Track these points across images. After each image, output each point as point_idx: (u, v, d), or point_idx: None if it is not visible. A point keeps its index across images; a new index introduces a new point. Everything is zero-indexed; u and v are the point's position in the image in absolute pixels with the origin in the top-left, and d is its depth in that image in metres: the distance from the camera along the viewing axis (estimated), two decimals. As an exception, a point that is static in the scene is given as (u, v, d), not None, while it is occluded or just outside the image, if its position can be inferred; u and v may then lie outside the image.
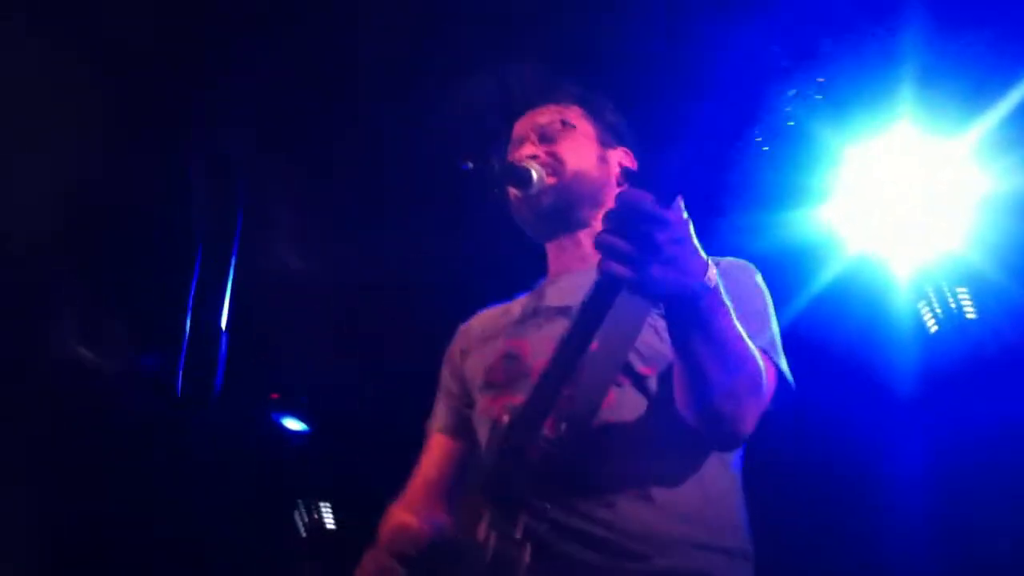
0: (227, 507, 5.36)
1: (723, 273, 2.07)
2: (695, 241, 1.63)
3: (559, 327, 2.08)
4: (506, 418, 1.94)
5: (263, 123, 3.98)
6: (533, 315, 2.24)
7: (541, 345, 2.09)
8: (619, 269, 1.55)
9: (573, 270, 2.31)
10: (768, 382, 1.93)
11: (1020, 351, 4.21)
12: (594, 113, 2.45)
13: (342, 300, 4.80)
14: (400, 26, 3.62)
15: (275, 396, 5.53)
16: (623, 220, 1.55)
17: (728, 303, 1.77)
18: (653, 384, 2.01)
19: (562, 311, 2.16)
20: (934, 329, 4.44)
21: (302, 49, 3.74)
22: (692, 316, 1.69)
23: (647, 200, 1.55)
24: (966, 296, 4.36)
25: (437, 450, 2.37)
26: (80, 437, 4.71)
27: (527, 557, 1.81)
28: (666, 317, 1.75)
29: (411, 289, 4.70)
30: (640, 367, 2.01)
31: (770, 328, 2.07)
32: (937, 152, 3.97)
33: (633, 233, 1.55)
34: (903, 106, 3.82)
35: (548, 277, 2.40)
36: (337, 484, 6.01)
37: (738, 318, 1.89)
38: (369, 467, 5.60)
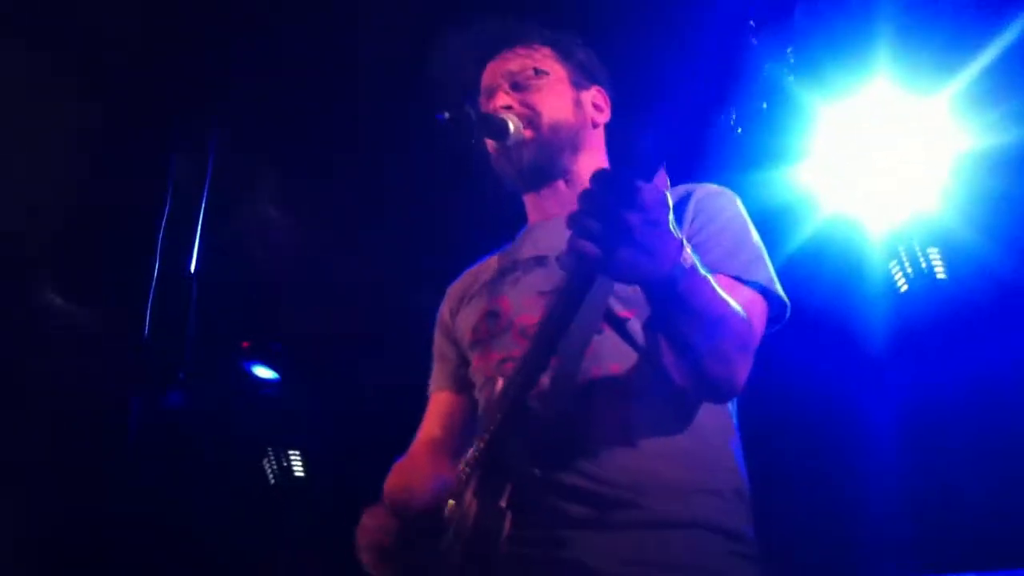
0: (195, 455, 5.35)
1: (702, 203, 2.09)
2: (671, 222, 1.60)
3: (536, 278, 2.11)
4: (499, 385, 1.93)
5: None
6: (511, 269, 2.23)
7: (520, 299, 2.11)
8: (587, 247, 1.53)
9: (550, 217, 2.29)
10: (758, 320, 1.93)
11: (990, 310, 4.24)
12: (564, 53, 2.39)
13: (315, 248, 4.78)
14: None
15: (246, 344, 5.51)
16: (596, 200, 1.53)
17: (706, 274, 1.75)
18: (635, 327, 1.99)
19: (538, 261, 2.16)
20: (904, 288, 4.46)
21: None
22: (670, 298, 1.68)
23: (623, 180, 1.53)
24: (937, 256, 4.38)
25: (439, 407, 2.36)
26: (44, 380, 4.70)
27: (507, 527, 1.79)
28: (646, 298, 1.73)
29: (387, 239, 4.68)
30: (620, 311, 2.00)
31: (756, 255, 2.05)
32: (913, 110, 3.96)
33: (605, 214, 1.52)
34: (879, 64, 3.81)
35: (527, 226, 2.39)
36: (307, 433, 6.01)
37: (721, 253, 1.91)
38: (339, 417, 5.62)
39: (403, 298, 2.51)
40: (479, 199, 2.48)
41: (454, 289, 2.42)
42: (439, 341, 2.40)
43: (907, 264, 4.44)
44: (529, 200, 2.38)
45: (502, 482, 1.82)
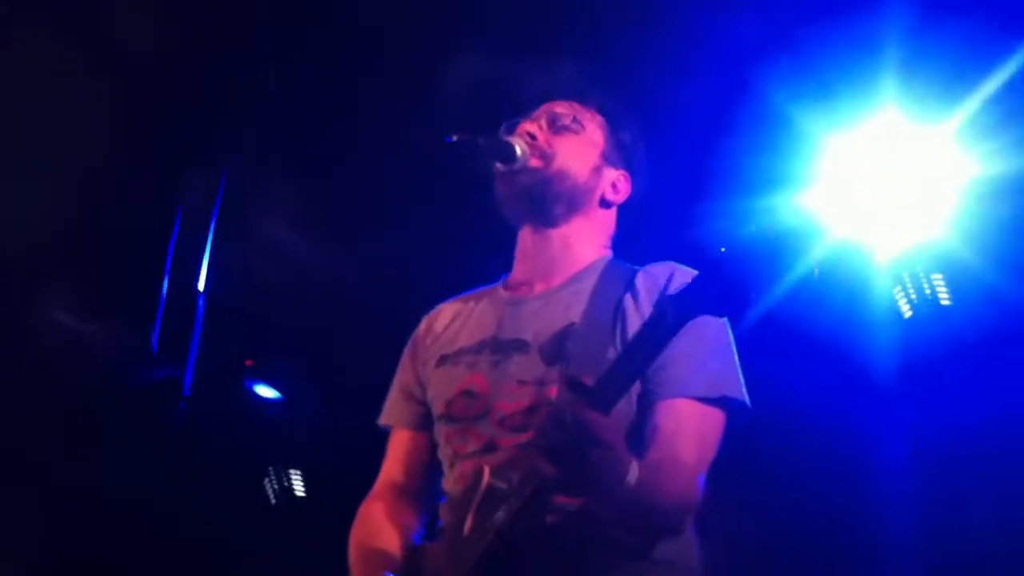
0: (196, 472, 5.34)
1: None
2: (621, 446, 1.78)
3: (515, 366, 2.13)
4: (484, 482, 1.94)
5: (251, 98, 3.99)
6: (491, 346, 2.22)
7: (499, 384, 2.13)
8: (548, 469, 1.71)
9: (535, 289, 2.30)
10: (711, 440, 2.05)
11: (996, 337, 4.24)
12: (612, 127, 2.42)
13: (322, 268, 4.80)
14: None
15: (249, 363, 5.51)
16: (559, 435, 1.70)
17: (653, 483, 1.85)
18: None
19: (518, 346, 2.17)
20: (908, 314, 4.46)
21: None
22: (607, 507, 1.85)
23: (587, 416, 1.69)
24: (941, 282, 4.39)
25: (402, 448, 2.37)
26: (49, 395, 4.69)
27: None
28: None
29: (395, 261, 4.70)
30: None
31: (723, 364, 2.12)
32: (919, 139, 3.97)
33: (568, 449, 1.70)
34: (886, 93, 3.83)
35: (510, 278, 2.39)
36: (308, 452, 6.01)
37: (691, 358, 2.02)
38: (340, 437, 5.61)
39: (409, 319, 2.51)
40: (485, 223, 2.50)
41: (430, 328, 2.42)
42: (407, 374, 2.41)
43: (911, 290, 4.45)
44: (520, 240, 2.39)
45: None
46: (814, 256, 4.03)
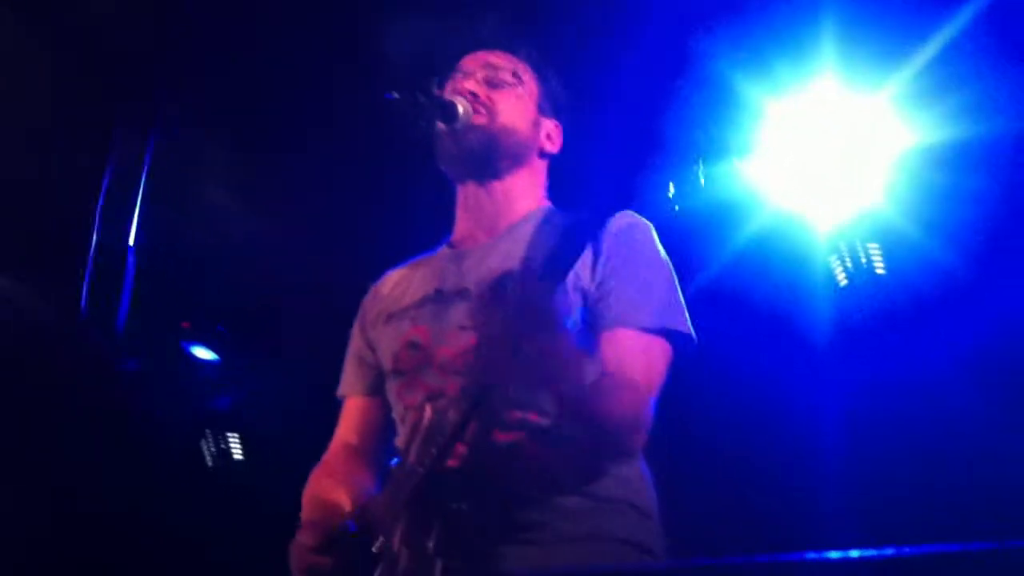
0: (133, 436, 5.28)
1: (613, 246, 2.16)
2: (569, 338, 1.82)
3: (458, 312, 2.15)
4: (427, 417, 1.93)
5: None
6: (434, 299, 2.24)
7: (441, 332, 2.16)
8: (496, 361, 1.75)
9: (478, 241, 2.32)
10: (658, 369, 2.09)
11: (929, 304, 4.31)
12: (543, 78, 2.45)
13: (257, 227, 4.74)
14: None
15: (186, 324, 5.44)
16: (504, 320, 1.71)
17: (605, 396, 1.93)
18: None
19: (460, 294, 2.19)
20: (844, 283, 4.52)
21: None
22: (560, 414, 1.89)
23: (531, 290, 1.73)
24: (877, 252, 4.45)
25: (354, 413, 2.38)
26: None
27: (438, 573, 1.81)
28: None
29: (336, 221, 4.67)
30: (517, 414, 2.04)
31: (663, 299, 2.15)
32: (857, 107, 4.01)
33: (516, 333, 1.70)
34: (824, 61, 3.85)
35: (453, 236, 2.41)
36: (245, 415, 5.96)
37: (627, 305, 2.06)
38: (279, 399, 5.58)
39: (350, 281, 2.51)
40: (429, 183, 2.50)
41: (377, 293, 2.44)
42: (358, 342, 2.42)
43: (847, 259, 4.50)
44: (460, 197, 2.40)
45: (429, 525, 1.84)
46: (753, 226, 4.07)
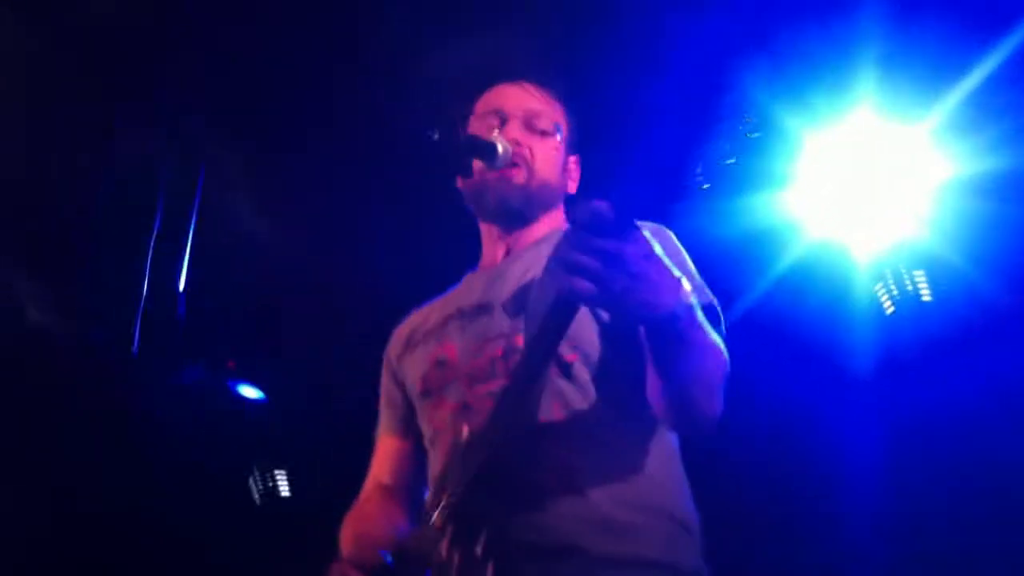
0: (181, 473, 5.33)
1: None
2: (664, 259, 1.54)
3: (480, 326, 2.11)
4: (465, 433, 1.89)
5: (227, 93, 3.95)
6: (458, 316, 2.21)
7: (467, 347, 2.11)
8: (582, 285, 1.43)
9: (496, 261, 2.31)
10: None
11: (975, 332, 4.28)
12: (571, 113, 2.43)
13: (304, 269, 4.78)
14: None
15: (232, 364, 5.50)
16: (584, 235, 1.44)
17: (702, 317, 1.73)
18: (578, 371, 1.99)
19: (482, 308, 2.16)
20: (890, 311, 4.50)
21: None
22: (669, 335, 1.62)
23: (613, 215, 1.43)
24: (923, 279, 4.42)
25: (387, 453, 2.36)
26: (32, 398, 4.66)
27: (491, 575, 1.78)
28: (646, 338, 1.68)
29: (372, 261, 4.69)
30: (566, 354, 1.99)
31: (699, 281, 2.05)
32: (896, 138, 4.01)
33: (597, 246, 1.43)
34: (863, 92, 3.86)
35: (478, 266, 2.40)
36: (292, 452, 6.00)
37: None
38: (325, 437, 5.60)
39: (394, 317, 2.52)
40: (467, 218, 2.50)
41: (399, 332, 2.41)
42: (387, 385, 2.40)
43: (892, 286, 4.48)
44: (485, 233, 2.39)
45: (476, 532, 1.80)
46: (793, 255, 4.05)
